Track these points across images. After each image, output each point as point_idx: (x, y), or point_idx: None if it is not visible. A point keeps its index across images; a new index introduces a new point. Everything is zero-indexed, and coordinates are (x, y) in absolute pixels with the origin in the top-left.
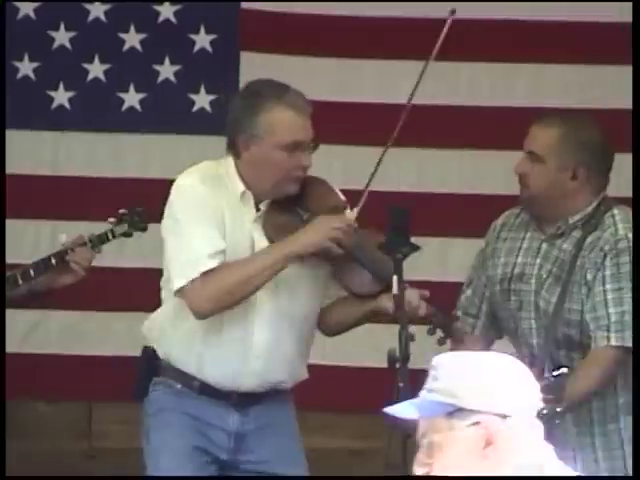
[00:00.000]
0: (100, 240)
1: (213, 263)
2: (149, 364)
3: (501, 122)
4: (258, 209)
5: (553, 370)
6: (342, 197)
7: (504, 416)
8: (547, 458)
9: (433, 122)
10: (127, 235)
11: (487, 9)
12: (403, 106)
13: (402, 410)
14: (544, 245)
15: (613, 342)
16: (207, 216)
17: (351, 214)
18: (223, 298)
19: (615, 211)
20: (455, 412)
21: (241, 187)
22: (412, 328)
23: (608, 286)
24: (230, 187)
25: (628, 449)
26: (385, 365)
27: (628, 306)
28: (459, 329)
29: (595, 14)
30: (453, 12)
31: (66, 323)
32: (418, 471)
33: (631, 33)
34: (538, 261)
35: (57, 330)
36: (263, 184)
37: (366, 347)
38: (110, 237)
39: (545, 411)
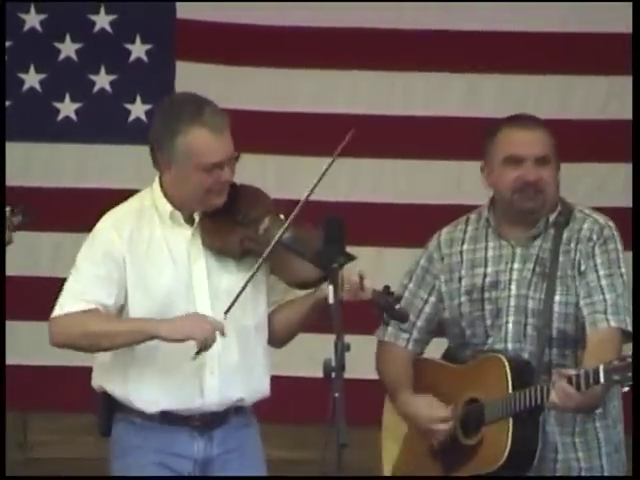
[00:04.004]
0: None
1: (85, 306)
2: (107, 401)
3: (435, 132)
4: (193, 224)
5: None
6: (271, 201)
7: None
8: None
9: (368, 132)
10: (23, 227)
11: (433, 20)
12: (339, 115)
13: None
14: (518, 250)
15: (613, 324)
16: (98, 264)
17: (222, 322)
18: (71, 343)
19: (578, 207)
20: None
21: (169, 208)
22: (348, 338)
23: (601, 272)
24: (158, 214)
25: (604, 450)
26: (321, 375)
27: (620, 290)
28: (401, 310)
29: (556, 24)
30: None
31: None
32: None
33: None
34: (516, 266)
35: None
36: (188, 199)
37: (302, 357)
38: (10, 227)
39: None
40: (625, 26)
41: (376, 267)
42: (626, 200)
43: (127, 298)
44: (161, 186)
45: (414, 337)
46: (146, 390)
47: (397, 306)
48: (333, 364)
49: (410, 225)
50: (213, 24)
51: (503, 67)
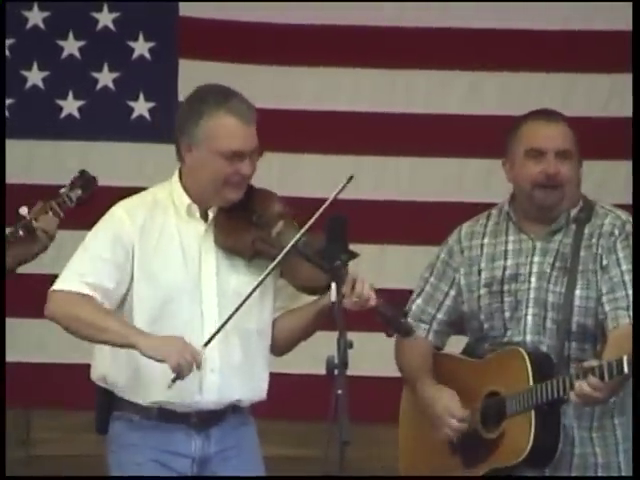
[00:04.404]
0: (60, 207)
1: (85, 289)
2: (105, 398)
3: (437, 130)
4: (207, 220)
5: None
6: (286, 206)
7: None
8: None
9: (370, 130)
10: (82, 200)
11: (436, 18)
12: (341, 113)
13: None
14: (538, 244)
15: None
16: (106, 246)
17: (202, 349)
18: (65, 323)
19: (600, 204)
20: None
21: (187, 200)
22: (350, 335)
23: (624, 267)
24: (174, 206)
25: (622, 446)
26: (324, 372)
27: None
28: (406, 324)
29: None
30: (350, 178)
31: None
32: None
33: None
34: (536, 259)
35: None
36: (204, 189)
37: (305, 354)
38: (68, 202)
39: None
40: (627, 24)
41: (378, 264)
42: (627, 197)
43: (131, 287)
44: (180, 180)
45: (434, 328)
46: (147, 380)
47: (402, 320)
48: (336, 361)
49: (412, 222)
50: (216, 22)
51: (505, 65)
